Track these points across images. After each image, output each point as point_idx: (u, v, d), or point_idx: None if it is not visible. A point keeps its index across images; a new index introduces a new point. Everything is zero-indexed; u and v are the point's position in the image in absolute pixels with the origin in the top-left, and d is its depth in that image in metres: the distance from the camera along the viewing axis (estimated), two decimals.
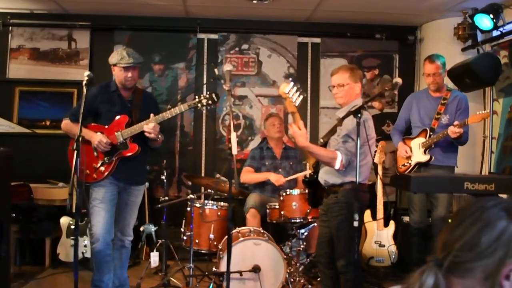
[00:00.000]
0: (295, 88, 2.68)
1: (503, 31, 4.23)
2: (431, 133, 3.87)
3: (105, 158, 3.34)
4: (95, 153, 3.35)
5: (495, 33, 4.34)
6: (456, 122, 3.64)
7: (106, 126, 3.39)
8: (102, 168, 3.34)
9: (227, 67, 2.97)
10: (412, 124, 4.10)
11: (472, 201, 0.98)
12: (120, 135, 3.35)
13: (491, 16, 4.09)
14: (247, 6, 4.72)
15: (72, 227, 4.25)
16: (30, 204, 4.50)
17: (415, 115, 4.05)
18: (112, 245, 3.39)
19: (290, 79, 2.74)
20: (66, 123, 3.43)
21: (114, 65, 3.39)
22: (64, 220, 4.36)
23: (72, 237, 4.22)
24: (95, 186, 3.35)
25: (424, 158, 3.89)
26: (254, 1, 4.55)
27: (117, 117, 3.38)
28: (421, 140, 3.93)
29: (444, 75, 4.00)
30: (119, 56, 3.36)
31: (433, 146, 3.85)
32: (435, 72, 3.90)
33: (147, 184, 4.55)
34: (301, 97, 2.72)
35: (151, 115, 3.33)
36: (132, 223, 3.54)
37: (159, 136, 3.39)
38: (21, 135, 5.08)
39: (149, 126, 3.30)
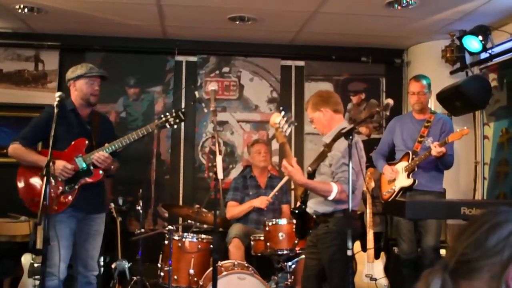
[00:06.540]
0: (285, 118, 2.72)
1: (492, 53, 4.20)
2: (414, 156, 3.79)
3: (66, 187, 3.08)
4: (53, 182, 3.03)
5: (484, 55, 4.31)
6: (435, 143, 3.59)
7: (63, 151, 3.10)
8: (63, 199, 3.06)
9: (212, 86, 3.02)
10: (396, 148, 4.02)
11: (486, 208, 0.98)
12: (82, 160, 3.10)
13: (480, 37, 4.08)
14: (228, 27, 4.57)
15: (36, 265, 3.89)
16: None
17: (398, 138, 3.99)
18: (75, 282, 3.16)
19: (281, 108, 2.79)
20: (16, 148, 3.11)
21: (79, 77, 3.16)
22: (26, 258, 3.99)
23: (35, 277, 3.84)
24: (51, 221, 3.04)
25: (408, 182, 3.77)
26: (236, 22, 4.41)
27: (73, 142, 3.12)
28: (403, 164, 3.84)
29: (428, 96, 3.95)
30: (86, 68, 3.19)
31: (416, 169, 3.75)
32: (420, 90, 3.86)
33: (120, 218, 4.34)
34: (292, 126, 2.79)
35: (106, 144, 3.12)
36: (96, 255, 3.28)
37: (112, 167, 3.20)
38: None
39: (98, 155, 3.06)
